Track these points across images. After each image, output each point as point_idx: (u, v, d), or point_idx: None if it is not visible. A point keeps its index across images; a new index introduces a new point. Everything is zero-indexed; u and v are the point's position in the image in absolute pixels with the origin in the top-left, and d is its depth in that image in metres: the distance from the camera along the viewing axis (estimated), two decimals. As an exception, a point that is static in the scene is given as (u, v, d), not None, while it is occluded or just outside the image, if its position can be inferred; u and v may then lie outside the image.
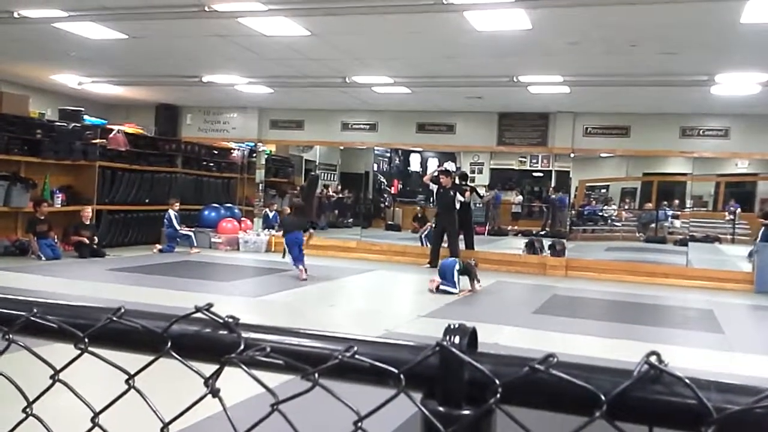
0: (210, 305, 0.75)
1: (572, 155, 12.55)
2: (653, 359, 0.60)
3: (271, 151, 16.08)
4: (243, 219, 14.07)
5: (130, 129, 13.28)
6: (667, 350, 5.96)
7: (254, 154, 14.91)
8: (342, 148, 17.45)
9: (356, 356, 0.65)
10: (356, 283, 10.10)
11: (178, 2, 6.94)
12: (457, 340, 0.66)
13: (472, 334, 0.68)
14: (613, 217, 20.20)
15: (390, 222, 19.91)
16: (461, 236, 12.43)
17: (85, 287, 8.10)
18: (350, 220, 19.26)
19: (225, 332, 0.73)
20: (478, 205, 17.68)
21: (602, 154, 15.37)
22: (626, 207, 21.22)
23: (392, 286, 10.37)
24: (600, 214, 20.08)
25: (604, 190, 21.54)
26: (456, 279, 8.89)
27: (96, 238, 11.11)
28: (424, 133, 13.19)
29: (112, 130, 12.54)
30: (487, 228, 18.34)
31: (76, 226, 11.03)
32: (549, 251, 12.31)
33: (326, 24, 7.39)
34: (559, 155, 13.01)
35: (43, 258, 10.01)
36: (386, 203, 21.25)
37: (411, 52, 8.66)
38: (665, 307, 8.87)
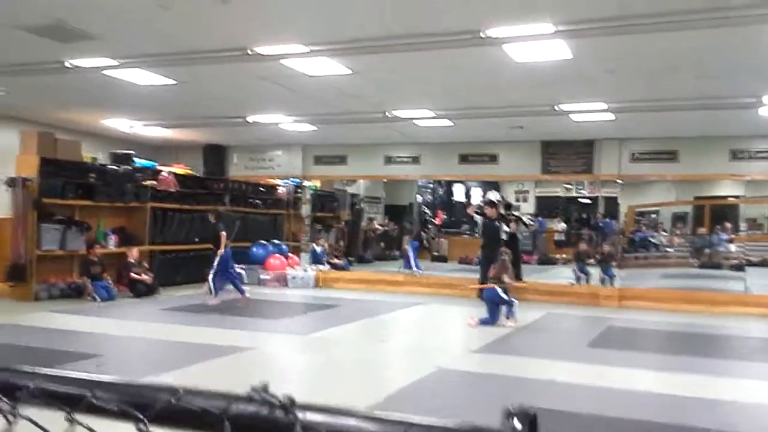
0: (266, 385, 0.75)
1: (619, 181, 12.35)
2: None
3: (316, 187, 16.26)
4: (290, 255, 14.19)
5: (179, 170, 13.60)
6: (729, 384, 5.77)
7: (299, 190, 15.09)
8: (386, 181, 17.57)
9: (414, 443, 0.63)
10: (405, 317, 10.04)
11: (222, 47, 7.13)
12: (518, 425, 0.64)
13: (533, 420, 0.66)
14: (666, 243, 19.72)
15: (435, 253, 19.83)
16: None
17: (139, 328, 8.24)
18: (396, 252, 19.24)
19: (281, 413, 0.73)
20: (524, 234, 17.48)
21: (651, 179, 15.10)
22: (678, 232, 20.72)
23: (441, 320, 10.28)
24: (652, 240, 19.62)
25: (654, 215, 21.08)
26: (499, 310, 8.79)
27: (145, 275, 11.34)
28: (467, 164, 13.19)
29: (161, 171, 12.86)
30: (535, 257, 18.11)
31: (125, 265, 11.27)
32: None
33: (367, 62, 7.49)
34: (606, 181, 12.83)
35: (98, 299, 10.24)
36: (431, 234, 21.20)
37: (451, 85, 8.71)
38: (725, 337, 8.57)
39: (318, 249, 14.33)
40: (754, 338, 8.51)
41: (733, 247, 18.12)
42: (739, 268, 15.19)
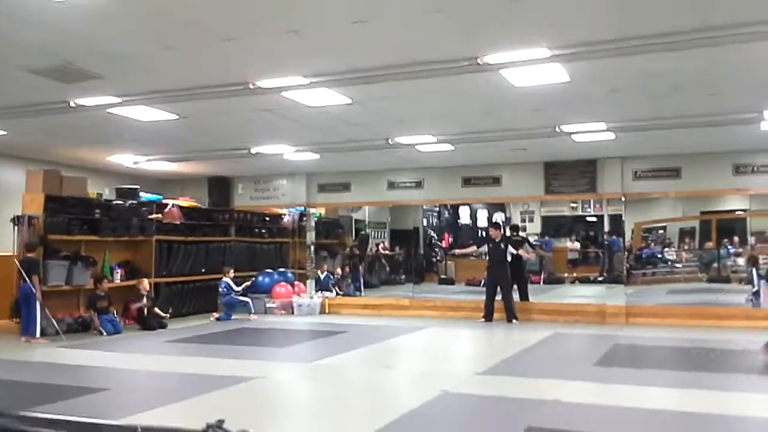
0: (221, 422, 0.78)
1: (623, 199, 12.36)
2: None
3: (320, 214, 16.32)
4: (296, 282, 14.21)
5: (184, 202, 13.70)
6: (737, 399, 5.74)
7: (304, 218, 15.16)
8: (390, 206, 17.60)
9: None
10: (411, 341, 10.02)
11: (224, 82, 7.23)
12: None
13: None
14: (673, 259, 19.64)
15: (443, 276, 19.80)
16: (515, 287, 12.27)
17: (146, 361, 8.26)
18: (403, 276, 19.23)
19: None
20: (530, 254, 17.44)
21: (655, 196, 15.08)
22: (686, 247, 20.63)
23: (447, 343, 10.25)
24: (659, 256, 19.55)
25: (661, 231, 21.02)
26: None
27: (156, 309, 11.41)
28: (470, 187, 13.22)
29: (167, 204, 12.96)
30: (542, 277, 18.06)
31: (136, 298, 11.32)
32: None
33: (366, 92, 7.57)
34: (612, 199, 12.84)
35: (105, 333, 10.26)
36: (438, 257, 21.18)
37: (451, 111, 8.78)
38: (734, 352, 8.51)
39: (322, 275, 14.35)
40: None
41: (741, 261, 18.01)
42: (748, 281, 15.08)
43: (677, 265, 19.27)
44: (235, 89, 7.39)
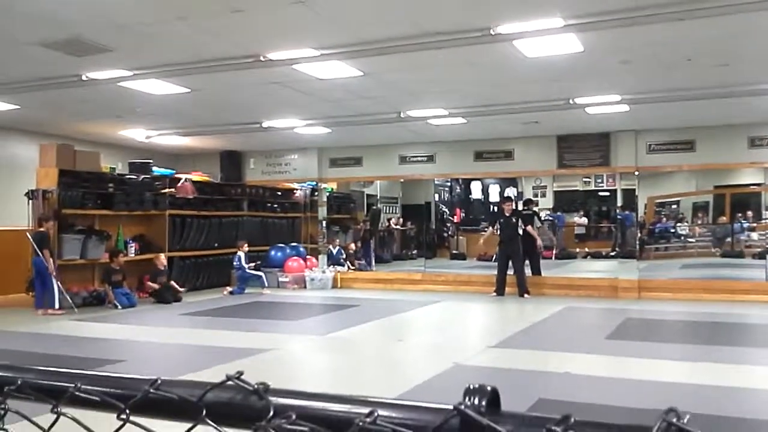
0: (240, 373, 0.78)
1: (636, 173, 12.26)
2: (672, 416, 0.59)
3: (332, 189, 16.32)
4: (308, 257, 14.26)
5: (196, 177, 13.75)
6: (748, 371, 5.73)
7: (316, 193, 15.17)
8: (402, 180, 17.57)
9: (378, 422, 0.66)
10: (423, 315, 10.06)
11: (235, 54, 7.20)
12: (476, 401, 0.66)
13: (493, 394, 0.69)
14: (686, 233, 19.53)
15: (455, 251, 19.82)
16: (527, 262, 12.26)
17: (161, 333, 8.35)
18: (414, 251, 19.26)
19: (256, 399, 0.76)
20: (539, 227, 17.39)
21: (669, 170, 14.95)
22: (699, 222, 20.50)
23: (459, 317, 10.28)
24: (672, 231, 19.45)
25: (674, 206, 20.89)
26: None
27: (173, 282, 11.53)
28: (482, 161, 13.16)
29: (179, 179, 13.01)
30: (554, 252, 18.03)
31: (153, 273, 11.42)
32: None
33: (377, 64, 7.51)
34: (625, 173, 12.73)
35: (119, 307, 10.37)
36: (449, 232, 21.18)
37: (463, 83, 8.70)
38: (746, 326, 8.49)
39: (334, 250, 14.40)
40: (777, 326, 8.41)
41: (755, 236, 17.90)
42: (761, 256, 14.98)
43: (690, 239, 19.17)
44: (245, 62, 7.35)
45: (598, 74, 8.18)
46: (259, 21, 6.15)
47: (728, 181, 19.41)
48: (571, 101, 9.53)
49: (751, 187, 19.77)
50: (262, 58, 7.26)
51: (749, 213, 18.85)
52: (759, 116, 10.62)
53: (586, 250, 18.71)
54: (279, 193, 15.77)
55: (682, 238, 19.24)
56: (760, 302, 10.19)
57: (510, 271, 11.74)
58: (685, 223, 20.36)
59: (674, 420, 0.58)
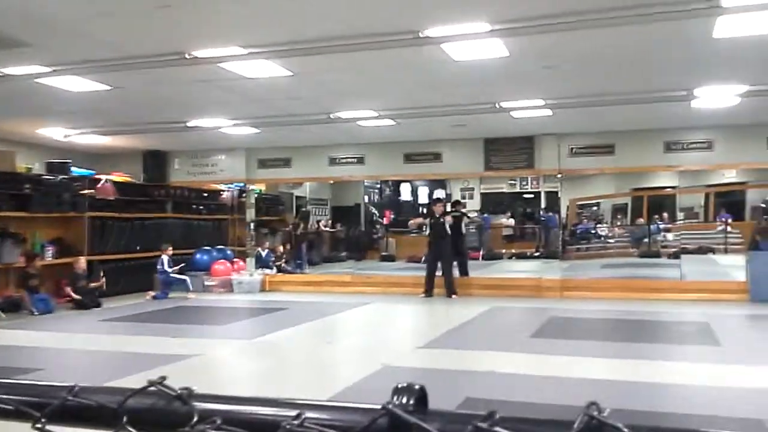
0: (163, 378, 0.75)
1: (559, 176, 12.63)
2: (593, 410, 0.61)
3: (261, 190, 16.13)
4: (236, 260, 14.03)
5: (118, 178, 13.32)
6: (664, 367, 5.98)
7: (244, 194, 14.95)
8: (332, 182, 17.56)
9: (305, 424, 0.65)
10: (353, 317, 10.06)
11: (159, 51, 7.00)
12: (404, 400, 0.66)
13: (421, 392, 0.69)
14: (606, 234, 20.26)
15: (384, 253, 19.92)
16: (455, 263, 12.43)
17: (81, 340, 8.04)
18: (344, 253, 19.25)
19: (179, 404, 0.73)
20: (471, 230, 17.73)
21: (590, 173, 15.47)
22: (618, 223, 21.32)
23: (388, 318, 10.33)
24: (593, 231, 20.15)
25: (595, 208, 21.65)
26: None
27: (95, 285, 11.14)
28: (411, 163, 13.26)
29: (100, 180, 12.57)
30: (481, 253, 18.36)
31: (72, 278, 10.99)
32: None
33: (306, 64, 7.46)
34: (548, 176, 13.09)
35: (36, 312, 9.94)
36: (379, 234, 21.28)
37: (393, 85, 8.75)
38: (662, 323, 8.86)
39: (263, 252, 14.22)
40: (689, 322, 8.82)
41: (670, 236, 18.75)
42: (676, 256, 15.71)
43: (610, 240, 19.91)
44: (170, 59, 7.16)
45: (523, 79, 8.38)
46: (186, 17, 6.01)
47: (646, 183, 20.28)
48: (497, 105, 9.73)
49: (667, 189, 20.73)
50: (187, 56, 7.10)
51: (665, 214, 19.76)
52: (674, 122, 11.11)
53: (513, 250, 19.14)
54: (205, 195, 15.46)
55: (603, 238, 19.96)
56: (674, 300, 10.65)
57: (439, 273, 11.88)
58: (605, 225, 21.13)
59: (595, 414, 0.60)
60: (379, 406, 0.65)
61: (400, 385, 0.68)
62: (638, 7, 5.63)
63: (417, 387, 0.68)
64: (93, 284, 11.11)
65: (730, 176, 18.35)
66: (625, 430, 0.58)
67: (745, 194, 19.16)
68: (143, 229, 13.23)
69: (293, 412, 0.67)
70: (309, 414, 0.67)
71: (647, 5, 5.59)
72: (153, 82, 8.38)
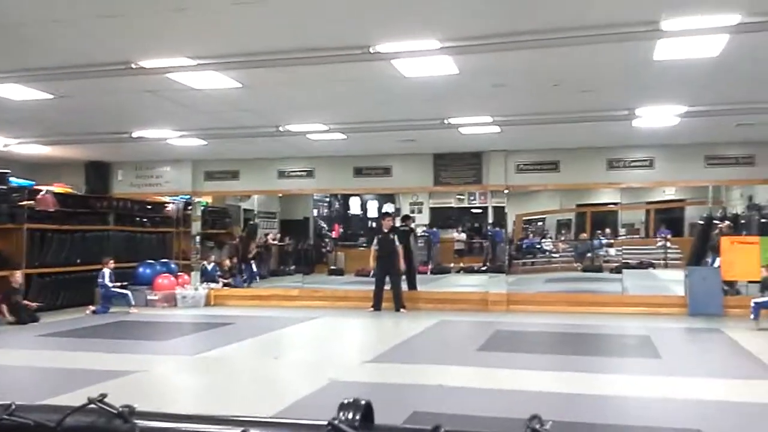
0: (104, 395, 0.74)
1: (506, 191, 12.83)
2: (535, 423, 0.62)
3: (207, 203, 15.89)
4: (180, 274, 13.77)
5: (59, 189, 12.94)
6: (606, 379, 6.10)
7: (189, 207, 14.71)
8: (280, 195, 17.42)
9: (250, 441, 0.65)
10: (300, 332, 9.97)
11: (104, 60, 6.85)
12: (350, 416, 0.67)
13: (367, 407, 0.69)
14: (551, 249, 20.66)
15: (333, 267, 19.86)
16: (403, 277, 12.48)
17: (17, 356, 7.75)
18: (292, 267, 19.11)
19: (120, 422, 0.72)
20: (420, 245, 17.86)
21: (535, 189, 15.77)
22: (563, 238, 21.77)
23: (336, 333, 10.28)
24: (538, 246, 20.53)
25: (540, 223, 22.08)
26: None
27: (25, 301, 10.73)
28: (361, 177, 13.28)
29: (40, 190, 12.19)
30: (429, 267, 18.49)
31: (6, 293, 10.59)
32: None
33: (256, 76, 7.42)
34: (495, 191, 13.28)
35: (-31, 328, 9.55)
36: (328, 248, 21.21)
37: (343, 99, 8.77)
38: (604, 336, 9.05)
39: (209, 266, 14.00)
40: (630, 335, 9.05)
41: (612, 251, 19.23)
42: (618, 270, 16.10)
43: (554, 255, 20.31)
44: (116, 69, 7.01)
45: (472, 96, 8.50)
46: (134, 27, 5.91)
47: (589, 200, 20.77)
48: (446, 121, 9.84)
49: (609, 206, 21.28)
50: (133, 66, 6.97)
51: (607, 230, 20.31)
52: (616, 140, 11.44)
53: (461, 265, 19.34)
54: (149, 207, 15.15)
55: (547, 253, 20.35)
56: (616, 314, 10.92)
57: (387, 287, 11.90)
58: (550, 239, 21.54)
59: (537, 426, 0.61)
60: (325, 422, 0.65)
61: (346, 401, 0.68)
62: (583, 29, 5.79)
63: (363, 402, 0.68)
64: (27, 304, 10.69)
65: (669, 193, 18.98)
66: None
67: (684, 211, 19.83)
68: (84, 242, 12.88)
69: (238, 430, 0.66)
70: (254, 431, 0.66)
71: (591, 27, 5.76)
72: (97, 92, 8.20)
